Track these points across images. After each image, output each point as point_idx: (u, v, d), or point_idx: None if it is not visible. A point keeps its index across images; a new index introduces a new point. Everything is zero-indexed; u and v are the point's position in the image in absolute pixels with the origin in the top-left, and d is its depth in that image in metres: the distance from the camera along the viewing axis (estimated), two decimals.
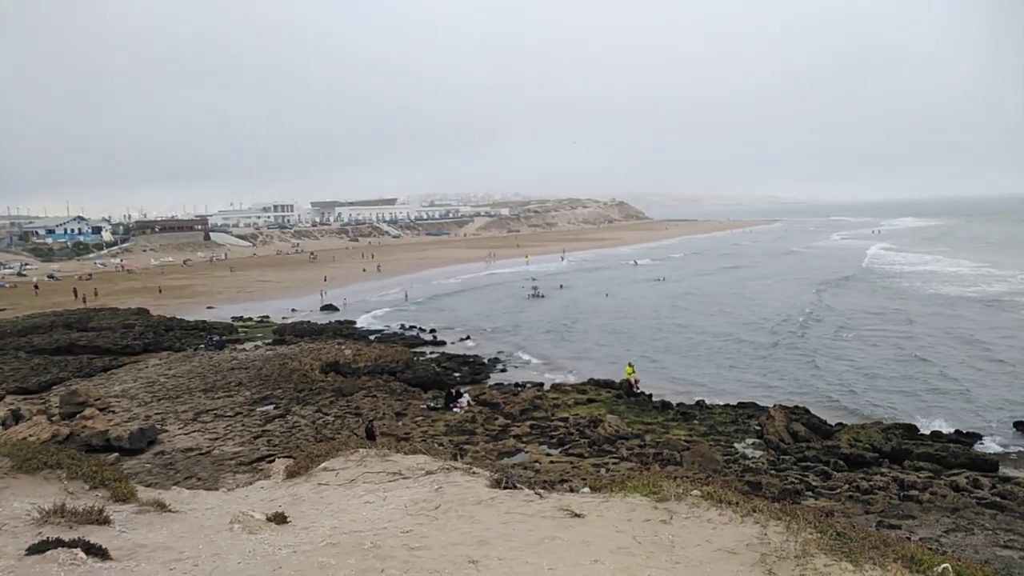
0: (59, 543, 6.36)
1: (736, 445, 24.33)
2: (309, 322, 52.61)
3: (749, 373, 36.19)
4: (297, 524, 8.16)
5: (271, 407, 29.66)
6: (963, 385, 32.08)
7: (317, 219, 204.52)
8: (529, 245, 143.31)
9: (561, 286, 75.02)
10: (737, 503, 7.81)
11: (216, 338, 45.31)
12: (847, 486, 19.52)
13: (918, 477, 20.21)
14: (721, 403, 30.04)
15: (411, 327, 51.88)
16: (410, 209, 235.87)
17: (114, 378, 36.08)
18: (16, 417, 26.24)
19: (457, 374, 36.74)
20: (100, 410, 27.75)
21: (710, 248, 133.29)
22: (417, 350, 43.42)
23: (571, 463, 21.98)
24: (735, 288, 70.67)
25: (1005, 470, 21.32)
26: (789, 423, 25.14)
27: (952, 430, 25.33)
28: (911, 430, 25.15)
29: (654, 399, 30.67)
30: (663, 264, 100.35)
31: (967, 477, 19.93)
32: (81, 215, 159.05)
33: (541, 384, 33.85)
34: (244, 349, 43.39)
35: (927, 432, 25.18)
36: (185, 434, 25.91)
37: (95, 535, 7.07)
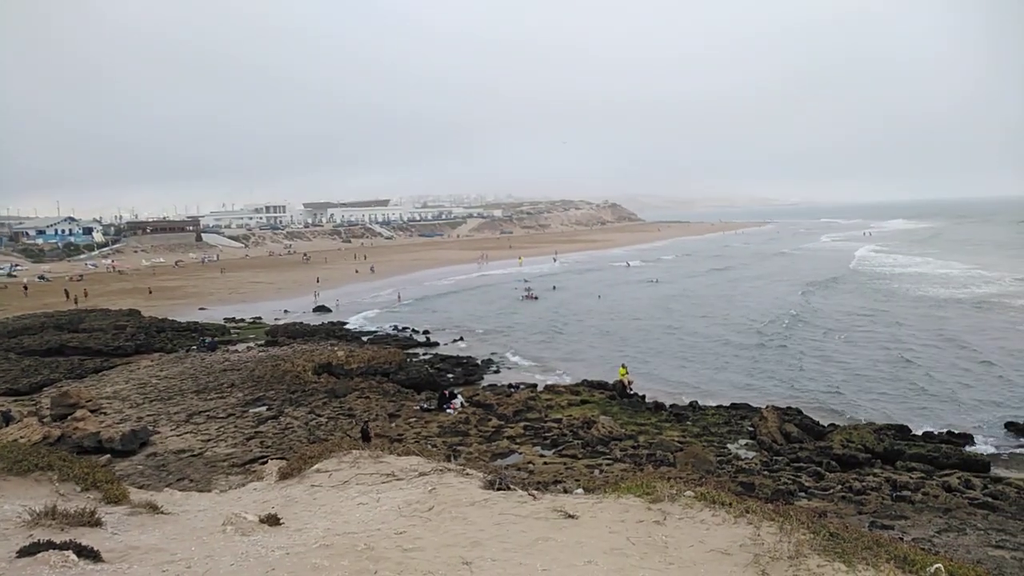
0: (50, 545, 6.32)
1: (729, 446, 24.38)
2: (302, 323, 52.51)
3: (738, 374, 36.24)
4: (290, 526, 8.13)
5: (264, 408, 29.57)
6: (951, 386, 32.23)
7: (310, 220, 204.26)
8: (522, 246, 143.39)
9: (554, 287, 75.10)
10: (730, 504, 7.82)
11: (208, 339, 45.16)
12: (840, 487, 19.57)
13: (910, 478, 20.29)
14: (714, 404, 30.11)
15: (404, 328, 51.84)
16: (403, 210, 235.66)
17: (106, 379, 35.90)
18: (6, 419, 26.09)
19: (450, 375, 36.72)
20: (92, 412, 27.59)
21: (702, 250, 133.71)
22: (410, 351, 43.37)
23: (565, 464, 21.98)
24: (724, 290, 70.96)
25: (997, 471, 21.44)
26: (782, 424, 25.20)
27: (944, 431, 25.44)
28: (903, 431, 25.24)
29: (647, 400, 30.71)
30: (655, 266, 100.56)
31: (959, 478, 20.03)
32: (72, 216, 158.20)
33: (535, 385, 33.84)
34: (236, 350, 43.24)
35: (919, 433, 25.28)
36: (177, 436, 25.80)
37: (87, 537, 7.03)
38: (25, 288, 79.13)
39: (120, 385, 34.38)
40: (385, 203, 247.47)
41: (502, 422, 27.27)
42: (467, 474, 10.12)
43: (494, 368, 39.10)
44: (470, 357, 41.30)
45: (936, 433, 25.13)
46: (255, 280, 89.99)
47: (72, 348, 43.31)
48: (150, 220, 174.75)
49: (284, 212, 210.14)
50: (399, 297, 69.86)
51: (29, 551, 6.25)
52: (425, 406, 29.82)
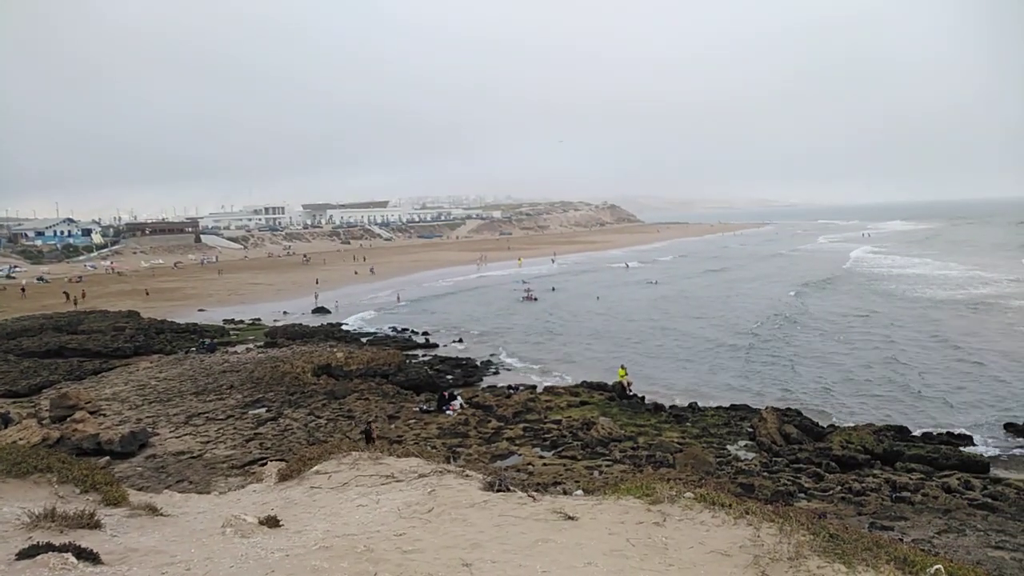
0: (49, 547, 6.31)
1: (729, 447, 24.38)
2: (301, 324, 52.49)
3: (732, 376, 36.15)
4: (289, 527, 8.12)
5: (263, 410, 29.54)
6: (947, 388, 32.21)
7: (308, 221, 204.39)
8: (521, 248, 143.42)
9: (553, 289, 75.11)
10: (730, 505, 7.82)
11: (207, 341, 45.14)
12: (839, 488, 19.57)
13: (910, 479, 20.29)
14: (713, 405, 30.11)
15: (403, 329, 51.84)
16: (402, 211, 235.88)
17: (105, 381, 35.87)
18: (5, 421, 26.07)
19: (450, 377, 36.70)
20: (91, 413, 27.54)
21: (700, 251, 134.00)
22: (409, 353, 43.36)
23: (564, 465, 21.97)
24: (721, 291, 71.01)
25: (996, 471, 21.45)
26: (781, 425, 25.19)
27: (943, 432, 25.44)
28: (903, 432, 25.25)
29: (647, 401, 30.70)
30: (654, 267, 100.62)
31: (959, 478, 20.02)
32: (71, 217, 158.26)
33: (534, 386, 33.83)
34: (235, 352, 43.21)
35: (918, 434, 25.28)
36: (176, 437, 25.77)
37: (86, 539, 7.02)
38: (23, 290, 79.08)
39: (119, 387, 34.34)
40: (384, 204, 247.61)
41: (501, 423, 27.26)
42: (467, 476, 10.12)
43: (493, 369, 39.09)
44: (469, 358, 41.29)
45: (935, 434, 25.13)
46: (254, 281, 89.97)
47: (71, 350, 43.27)
48: (149, 221, 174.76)
49: (283, 213, 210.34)
50: (398, 298, 69.90)
51: (28, 553, 6.23)
52: (424, 407, 29.80)
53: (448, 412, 28.74)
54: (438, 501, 8.64)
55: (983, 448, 23.99)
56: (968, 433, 25.25)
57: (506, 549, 6.95)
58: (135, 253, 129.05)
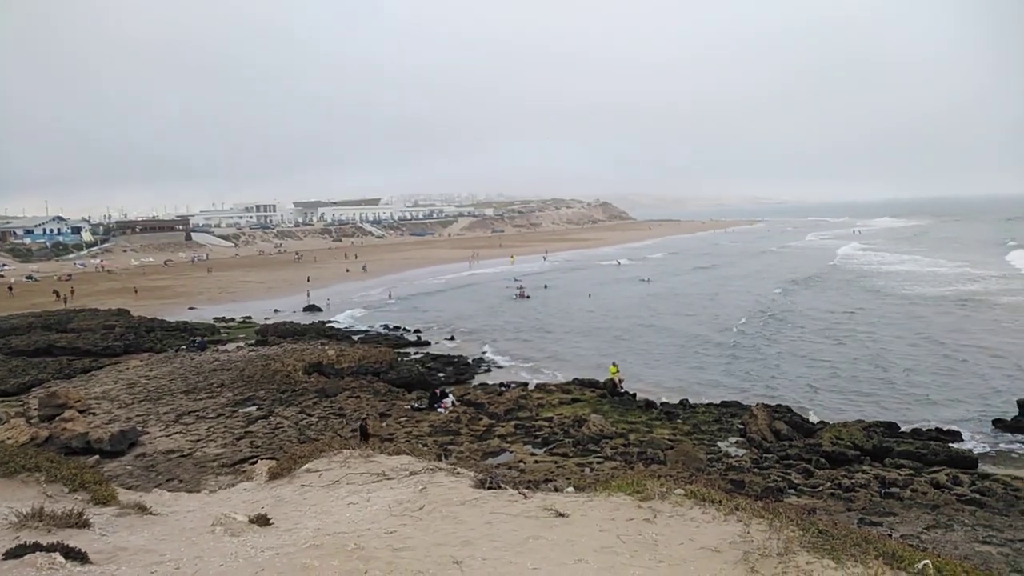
0: (37, 547, 6.28)
1: (719, 444, 24.46)
2: (292, 322, 52.33)
3: (716, 374, 36.22)
4: (280, 526, 8.11)
5: (254, 408, 29.46)
6: (935, 384, 32.36)
7: (300, 219, 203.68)
8: (513, 245, 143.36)
9: (545, 286, 75.16)
10: (720, 501, 7.85)
11: (198, 339, 44.96)
12: (829, 484, 19.67)
13: (899, 474, 20.40)
14: (704, 402, 30.19)
15: (395, 327, 51.77)
16: (394, 209, 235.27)
17: (94, 380, 35.70)
18: None
19: (441, 374, 36.68)
20: (80, 412, 27.43)
21: (691, 248, 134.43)
22: (401, 350, 43.31)
23: (555, 463, 22.00)
24: (709, 288, 71.22)
25: (984, 467, 21.58)
26: (772, 422, 25.29)
27: (932, 428, 25.59)
28: (892, 428, 25.41)
29: (638, 398, 30.77)
30: (646, 265, 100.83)
31: (947, 474, 20.15)
32: (60, 215, 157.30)
33: (525, 384, 33.87)
34: (226, 350, 43.08)
35: (907, 430, 25.42)
36: (167, 436, 25.68)
37: (74, 539, 6.99)
38: (10, 288, 78.55)
39: (109, 385, 34.19)
40: (376, 202, 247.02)
41: (493, 421, 27.28)
42: (458, 473, 10.11)
43: (485, 367, 39.09)
44: (461, 356, 41.29)
45: (924, 430, 25.28)
46: (245, 279, 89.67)
47: (60, 348, 43.06)
48: (139, 219, 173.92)
49: (274, 211, 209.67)
50: (390, 296, 69.82)
51: (15, 553, 6.20)
52: (416, 405, 29.79)
53: (440, 410, 28.73)
54: (429, 499, 8.64)
55: (972, 444, 24.15)
56: (957, 429, 25.40)
57: (497, 547, 6.96)
58: (125, 251, 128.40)
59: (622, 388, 31.91)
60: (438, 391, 30.57)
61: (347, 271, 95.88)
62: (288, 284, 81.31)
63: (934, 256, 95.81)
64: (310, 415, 28.26)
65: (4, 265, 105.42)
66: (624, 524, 7.49)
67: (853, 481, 19.74)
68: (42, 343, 43.98)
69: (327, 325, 51.96)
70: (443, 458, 16.14)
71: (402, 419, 27.78)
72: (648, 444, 23.61)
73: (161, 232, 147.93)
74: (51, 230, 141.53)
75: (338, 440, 15.59)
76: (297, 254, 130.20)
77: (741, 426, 25.78)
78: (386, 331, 50.57)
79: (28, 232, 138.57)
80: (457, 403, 29.58)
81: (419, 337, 47.88)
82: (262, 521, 8.11)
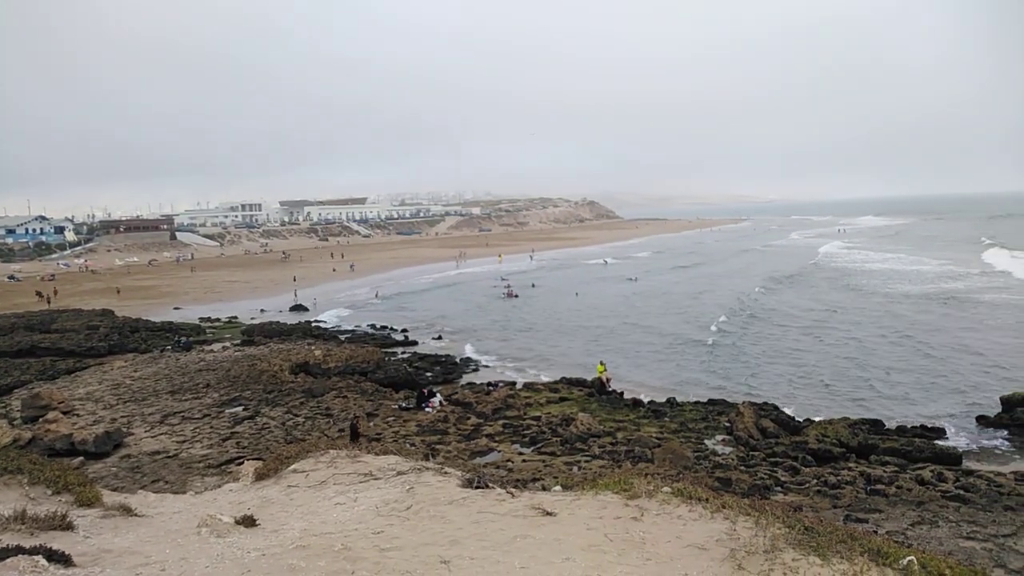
0: (19, 550, 6.21)
1: (706, 442, 24.55)
2: (278, 322, 52.05)
3: (695, 373, 36.36)
4: (266, 527, 8.07)
5: (240, 409, 29.30)
6: (915, 383, 32.53)
7: (286, 218, 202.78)
8: (500, 244, 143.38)
9: (533, 285, 75.21)
10: (707, 499, 7.88)
11: (183, 339, 44.68)
12: (815, 481, 19.78)
13: (884, 471, 20.54)
14: (692, 400, 30.30)
15: (382, 327, 51.64)
16: (380, 208, 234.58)
17: (78, 380, 35.39)
18: None
19: (429, 374, 36.64)
20: (64, 413, 27.15)
21: (677, 247, 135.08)
22: (388, 350, 43.21)
23: (543, 461, 22.02)
24: (692, 287, 71.50)
25: (968, 463, 21.78)
26: (758, 419, 25.42)
27: (917, 425, 25.78)
28: (877, 425, 25.59)
29: (625, 397, 30.84)
30: (632, 264, 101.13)
31: (932, 471, 20.31)
32: (43, 215, 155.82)
33: (513, 383, 33.87)
34: (212, 350, 42.81)
35: (893, 427, 25.60)
36: (152, 437, 25.50)
37: (58, 541, 6.93)
38: None
39: (93, 386, 33.90)
40: (363, 201, 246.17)
41: (481, 420, 27.27)
42: (445, 473, 10.10)
43: (473, 366, 39.07)
44: (449, 355, 41.25)
45: (909, 427, 25.47)
46: (231, 279, 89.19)
47: (44, 349, 42.68)
48: (123, 219, 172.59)
49: (260, 210, 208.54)
50: (377, 295, 69.69)
51: None
52: (404, 405, 29.73)
53: (427, 409, 28.68)
54: (416, 499, 8.63)
55: (956, 441, 24.35)
56: (941, 426, 25.62)
57: (484, 546, 6.95)
58: (109, 251, 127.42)
59: (610, 387, 31.97)
60: (426, 391, 30.52)
61: (334, 270, 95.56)
62: (274, 284, 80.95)
63: (914, 254, 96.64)
64: (297, 415, 28.14)
65: None
66: (611, 523, 7.51)
67: (839, 478, 19.86)
68: (25, 344, 43.55)
69: (314, 325, 51.74)
70: (431, 457, 16.11)
71: (390, 419, 27.71)
72: (635, 442, 23.66)
73: (146, 232, 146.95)
74: (34, 230, 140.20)
75: (325, 440, 15.54)
76: (284, 253, 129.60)
77: (728, 424, 25.89)
78: (373, 331, 50.43)
79: (10, 232, 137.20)
80: (445, 402, 29.54)
81: (406, 337, 47.79)
82: (248, 522, 8.07)
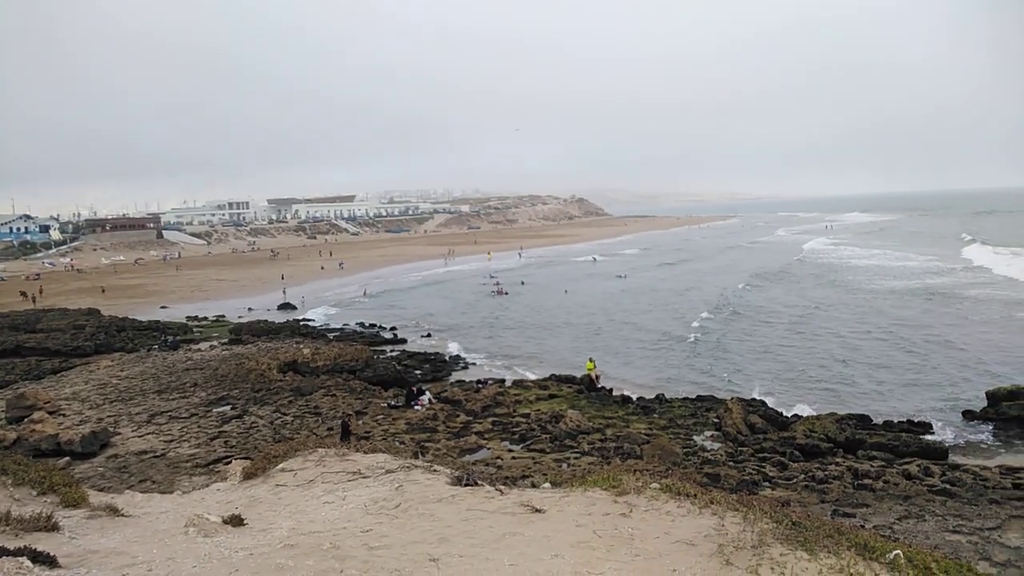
0: (3, 552, 6.15)
1: (695, 438, 24.63)
2: (266, 321, 51.81)
3: (678, 369, 36.39)
4: (254, 526, 8.03)
5: (228, 408, 29.16)
6: (907, 375, 32.81)
7: (274, 216, 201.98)
8: (489, 242, 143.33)
9: (522, 282, 75.23)
10: (695, 495, 7.91)
11: (170, 338, 44.43)
12: (803, 476, 19.88)
13: (871, 466, 20.67)
14: (680, 396, 30.39)
15: (371, 325, 51.49)
16: (369, 206, 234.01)
17: (64, 380, 35.12)
18: None
19: (418, 372, 36.58)
20: (50, 413, 26.95)
21: (665, 244, 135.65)
22: (377, 348, 43.11)
23: (533, 459, 22.02)
24: (679, 284, 71.76)
25: (954, 458, 21.95)
26: (747, 415, 25.53)
27: (904, 420, 25.95)
28: (864, 420, 25.72)
29: (615, 394, 30.90)
30: (620, 260, 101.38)
31: (918, 465, 20.45)
32: (28, 213, 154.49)
33: (503, 380, 33.86)
34: (199, 349, 42.59)
35: (880, 422, 25.76)
36: (139, 436, 25.34)
37: (43, 542, 6.87)
38: None
39: (79, 386, 33.65)
40: (351, 199, 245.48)
41: (470, 418, 27.24)
42: (434, 471, 10.09)
43: (462, 364, 39.04)
44: (438, 353, 41.19)
45: (896, 422, 25.63)
46: (218, 278, 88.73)
47: (29, 349, 42.35)
48: (109, 218, 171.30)
49: (247, 208, 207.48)
50: (365, 293, 69.52)
51: None
52: (393, 403, 29.67)
53: (417, 407, 28.65)
54: (405, 497, 8.61)
55: (942, 435, 24.52)
56: (928, 421, 25.78)
57: (473, 543, 6.95)
58: (95, 250, 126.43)
59: (599, 384, 32.03)
60: (415, 388, 30.47)
61: (322, 268, 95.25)
62: (262, 282, 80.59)
63: (897, 250, 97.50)
64: (285, 414, 28.03)
65: None
66: (600, 519, 7.52)
67: (827, 473, 19.96)
68: (10, 344, 43.18)
69: (302, 323, 51.55)
70: (420, 456, 16.10)
71: (379, 417, 27.65)
72: (625, 439, 23.70)
73: (132, 230, 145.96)
74: (18, 228, 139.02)
75: (313, 439, 15.49)
76: (272, 252, 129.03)
77: (716, 420, 25.98)
78: (362, 329, 50.28)
79: None
80: (434, 400, 29.51)
81: (395, 335, 47.69)
82: (236, 521, 8.03)
